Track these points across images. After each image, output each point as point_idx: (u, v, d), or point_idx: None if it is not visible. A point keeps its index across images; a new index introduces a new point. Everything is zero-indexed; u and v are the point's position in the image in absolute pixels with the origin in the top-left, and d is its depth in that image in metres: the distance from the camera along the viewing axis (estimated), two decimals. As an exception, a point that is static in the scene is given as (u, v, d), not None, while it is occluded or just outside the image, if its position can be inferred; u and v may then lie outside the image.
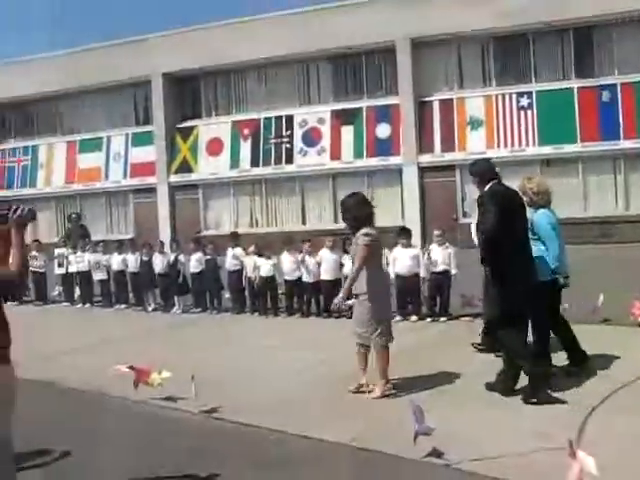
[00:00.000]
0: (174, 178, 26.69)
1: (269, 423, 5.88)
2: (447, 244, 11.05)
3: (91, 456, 5.37)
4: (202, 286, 12.95)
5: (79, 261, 14.42)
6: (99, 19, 54.41)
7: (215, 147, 26.27)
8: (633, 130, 20.99)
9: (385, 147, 23.90)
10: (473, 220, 7.85)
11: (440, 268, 10.90)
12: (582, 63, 22.16)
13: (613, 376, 6.70)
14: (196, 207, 26.49)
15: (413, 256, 11.04)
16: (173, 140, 26.91)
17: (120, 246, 14.42)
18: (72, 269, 14.59)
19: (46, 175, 29.27)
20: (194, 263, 12.91)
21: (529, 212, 6.82)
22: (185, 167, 26.66)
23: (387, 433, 5.47)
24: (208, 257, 12.86)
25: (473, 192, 6.99)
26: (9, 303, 14.01)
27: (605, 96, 21.48)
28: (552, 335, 7.09)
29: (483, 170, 6.68)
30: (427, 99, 23.56)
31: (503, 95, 22.58)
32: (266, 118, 25.52)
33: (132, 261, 13.68)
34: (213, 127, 26.52)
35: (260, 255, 12.28)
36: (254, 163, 25.54)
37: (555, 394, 6.09)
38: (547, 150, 21.72)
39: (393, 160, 23.67)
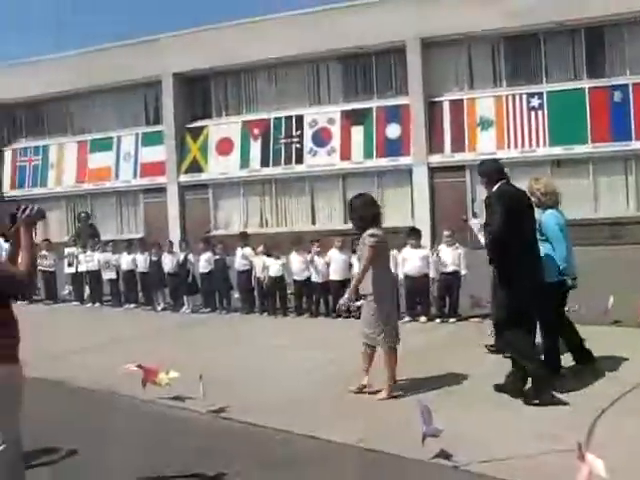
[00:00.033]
0: (184, 178, 26.75)
1: (277, 423, 5.87)
2: (457, 245, 11.02)
3: (98, 455, 5.38)
4: (211, 286, 12.96)
5: (89, 260, 14.47)
6: (110, 19, 54.74)
7: (225, 147, 26.31)
8: (644, 131, 20.91)
9: (395, 147, 23.87)
10: (477, 220, 7.82)
11: (450, 269, 10.87)
12: (593, 63, 22.07)
13: (622, 378, 6.66)
14: (206, 207, 26.53)
15: (422, 257, 11.01)
16: (183, 140, 26.96)
17: (129, 246, 14.46)
18: (82, 268, 14.65)
19: (57, 175, 29.41)
20: (203, 263, 12.93)
21: (537, 213, 6.79)
22: (195, 167, 26.71)
23: (394, 434, 5.45)
24: (217, 257, 12.86)
25: (483, 193, 6.96)
26: (19, 302, 14.11)
27: (617, 96, 21.39)
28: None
29: (490, 170, 6.66)
30: (437, 99, 23.53)
31: (513, 95, 22.52)
32: (276, 118, 25.54)
33: (141, 261, 13.71)
34: (223, 127, 26.57)
35: (269, 255, 12.28)
36: (264, 163, 25.56)
37: (564, 395, 6.06)
38: (558, 151, 21.65)
39: (403, 160, 23.65)
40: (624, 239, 19.91)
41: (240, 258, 12.63)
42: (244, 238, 13.16)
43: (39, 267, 14.59)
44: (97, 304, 14.36)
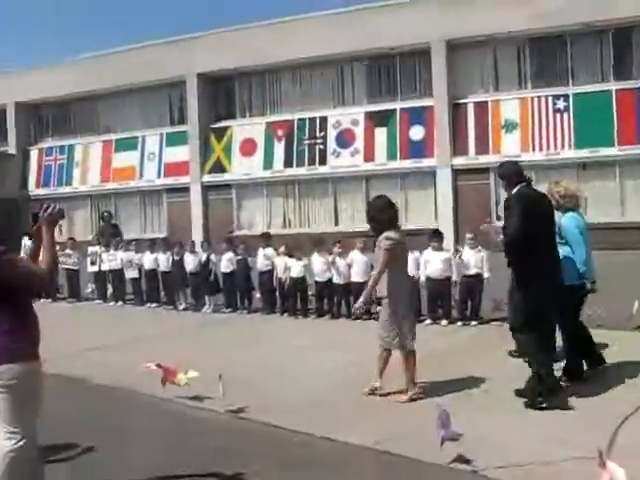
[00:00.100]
0: (207, 178, 26.83)
1: (295, 424, 5.86)
2: (479, 247, 10.93)
3: (115, 452, 5.41)
4: (233, 286, 13.00)
5: (111, 259, 14.58)
6: (140, 19, 55.22)
7: (249, 147, 26.35)
8: (672, 133, 20.62)
9: (419, 149, 23.75)
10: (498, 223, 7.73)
11: (472, 271, 10.81)
12: (621, 65, 21.77)
13: (645, 384, 6.57)
14: (229, 207, 26.59)
15: (444, 259, 10.95)
16: (207, 140, 27.05)
17: (152, 245, 14.54)
18: (105, 267, 14.77)
19: (82, 174, 29.64)
20: (225, 263, 12.96)
21: (557, 215, 6.73)
22: (218, 167, 26.78)
23: (413, 437, 5.42)
24: (239, 257, 12.89)
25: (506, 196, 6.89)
26: (43, 300, 14.35)
27: (644, 98, 21.10)
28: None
29: (510, 173, 6.58)
30: (462, 101, 23.37)
31: (539, 97, 22.29)
32: (300, 119, 25.53)
33: (164, 260, 13.78)
34: (247, 127, 26.61)
35: (291, 256, 12.29)
36: (287, 164, 25.56)
37: (584, 400, 6.01)
38: (583, 153, 21.38)
39: (427, 162, 23.51)
40: (651, 243, 19.63)
41: (262, 258, 12.65)
42: (266, 239, 13.17)
43: (63, 265, 14.78)
44: (119, 303, 14.47)
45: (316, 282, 12.03)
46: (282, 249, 12.56)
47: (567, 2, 20.71)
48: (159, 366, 6.81)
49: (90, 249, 15.29)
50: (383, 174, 24.00)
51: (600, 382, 6.67)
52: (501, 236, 6.36)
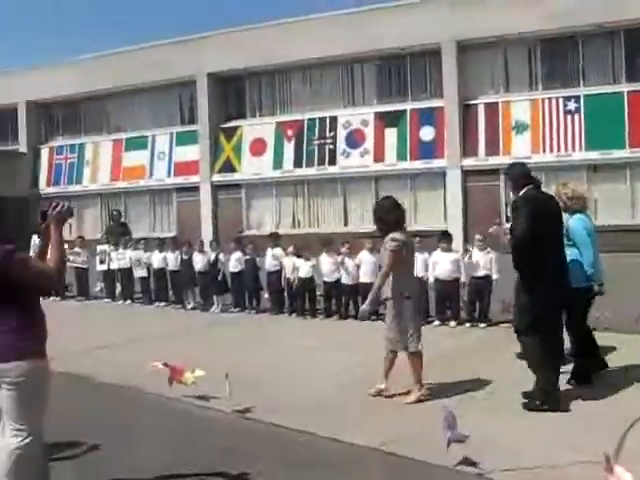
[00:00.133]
0: (217, 177, 26.87)
1: (301, 424, 5.85)
2: (488, 249, 10.88)
3: (121, 451, 5.41)
4: (241, 286, 13.00)
5: (120, 258, 14.61)
6: (150, 19, 55.36)
7: (258, 147, 26.37)
8: (684, 136, 20.49)
9: (429, 150, 23.71)
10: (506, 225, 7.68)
11: (481, 273, 10.76)
12: (633, 66, 21.65)
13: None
14: (238, 207, 26.61)
15: (453, 260, 10.92)
16: (217, 140, 27.09)
17: (161, 244, 14.55)
18: (114, 266, 14.80)
19: (92, 173, 29.74)
20: (233, 263, 12.97)
21: (564, 217, 6.70)
22: (228, 167, 26.81)
23: (419, 438, 5.41)
24: (247, 257, 12.89)
25: (516, 197, 6.86)
26: (52, 298, 14.39)
27: (656, 101, 20.99)
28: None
29: (517, 175, 6.54)
30: (472, 102, 23.31)
31: (550, 99, 22.20)
32: (310, 119, 25.54)
33: (172, 259, 13.80)
34: (257, 127, 26.63)
35: (299, 256, 12.28)
36: (297, 164, 25.57)
37: (592, 403, 5.97)
38: (594, 155, 21.28)
39: (437, 163, 23.47)
40: (662, 246, 19.52)
41: (270, 259, 12.64)
42: (275, 238, 13.17)
43: (72, 264, 14.84)
44: (128, 301, 14.50)
45: (324, 282, 12.02)
46: (290, 249, 12.55)
47: (577, 3, 20.63)
48: (166, 365, 6.82)
49: (99, 248, 15.33)
50: (393, 175, 23.97)
51: (608, 385, 6.63)
52: (508, 236, 6.34)
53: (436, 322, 10.68)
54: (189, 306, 13.52)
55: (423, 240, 11.05)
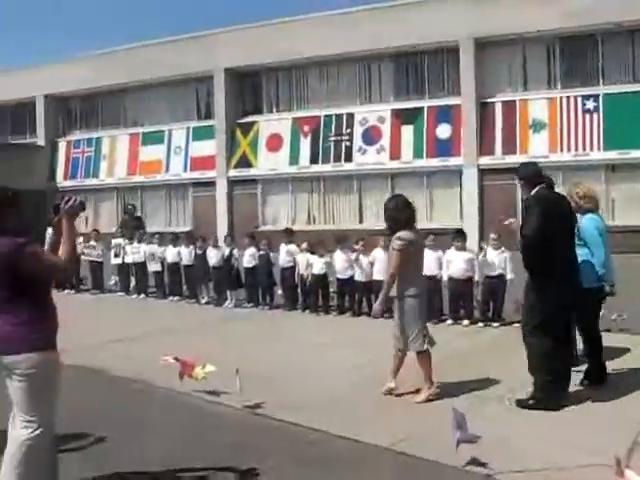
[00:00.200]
0: (233, 172, 26.92)
1: (311, 421, 5.85)
2: (503, 248, 10.81)
3: (131, 444, 5.42)
4: (255, 281, 13.00)
5: (135, 252, 14.66)
6: (167, 14, 55.48)
7: (275, 143, 26.39)
8: None
9: (445, 148, 23.63)
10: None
11: (495, 272, 10.69)
12: (653, 65, 21.48)
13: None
14: (254, 202, 26.66)
15: (467, 259, 10.86)
16: (233, 135, 27.14)
17: (175, 239, 14.57)
18: (128, 260, 14.86)
19: (109, 166, 29.90)
20: (247, 258, 12.97)
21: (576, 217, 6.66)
22: (244, 162, 26.86)
23: (429, 438, 5.39)
24: (261, 252, 12.89)
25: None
26: (66, 291, 14.47)
27: (676, 100, 20.77)
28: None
29: (529, 174, 6.49)
30: (489, 100, 23.19)
31: (568, 97, 22.04)
32: (327, 115, 25.52)
33: (186, 254, 13.82)
34: (274, 123, 26.65)
35: (313, 253, 12.27)
36: (313, 160, 25.56)
37: (603, 405, 5.92)
38: (612, 155, 21.10)
39: (453, 161, 23.39)
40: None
41: (284, 255, 12.64)
42: (289, 234, 13.17)
43: (87, 257, 14.93)
44: (142, 295, 14.55)
45: (338, 279, 12.00)
46: (304, 245, 12.54)
47: (595, 1, 20.43)
48: (177, 359, 6.83)
49: (114, 241, 15.40)
50: (409, 172, 23.91)
51: (621, 387, 6.58)
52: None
53: (449, 321, 10.65)
54: (203, 301, 13.55)
55: (438, 238, 11.01)
